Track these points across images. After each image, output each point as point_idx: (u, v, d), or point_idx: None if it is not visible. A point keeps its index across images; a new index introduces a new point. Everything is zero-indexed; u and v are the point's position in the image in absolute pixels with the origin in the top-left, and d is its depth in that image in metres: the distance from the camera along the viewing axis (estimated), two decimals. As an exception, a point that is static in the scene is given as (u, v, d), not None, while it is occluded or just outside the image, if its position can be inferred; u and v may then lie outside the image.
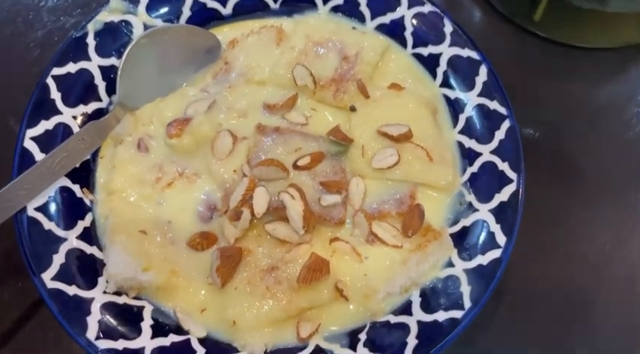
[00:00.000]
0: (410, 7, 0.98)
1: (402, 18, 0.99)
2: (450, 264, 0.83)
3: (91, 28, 0.94)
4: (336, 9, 1.01)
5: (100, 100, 0.93)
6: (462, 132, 0.93)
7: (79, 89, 0.91)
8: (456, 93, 0.95)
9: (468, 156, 0.91)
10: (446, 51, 0.96)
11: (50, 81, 0.89)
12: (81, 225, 0.84)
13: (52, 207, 0.83)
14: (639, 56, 1.11)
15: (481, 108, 0.92)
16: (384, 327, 0.80)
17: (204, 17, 1.00)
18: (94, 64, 0.93)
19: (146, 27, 0.97)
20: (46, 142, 0.86)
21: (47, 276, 0.78)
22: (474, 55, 0.94)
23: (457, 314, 0.78)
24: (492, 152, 0.89)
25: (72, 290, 0.78)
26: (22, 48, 1.09)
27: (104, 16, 0.95)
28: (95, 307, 0.78)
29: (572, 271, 0.94)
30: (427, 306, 0.81)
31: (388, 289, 0.81)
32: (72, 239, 0.82)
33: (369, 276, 0.82)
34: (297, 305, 0.79)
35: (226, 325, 0.79)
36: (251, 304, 0.79)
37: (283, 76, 0.94)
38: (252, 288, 0.80)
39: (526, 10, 1.10)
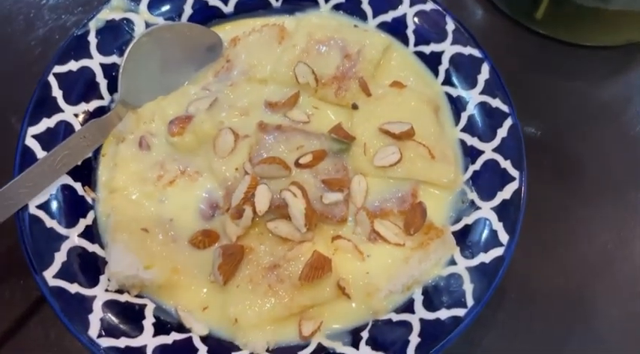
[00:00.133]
0: (412, 5, 0.98)
1: (404, 16, 0.99)
2: (453, 262, 0.83)
3: (93, 26, 0.94)
4: (337, 7, 1.02)
5: (101, 98, 0.93)
6: (464, 130, 0.93)
7: (80, 87, 0.91)
8: (458, 91, 0.95)
9: (470, 154, 0.91)
10: (448, 49, 0.96)
11: (52, 79, 0.89)
12: (83, 223, 0.84)
13: (54, 205, 0.83)
14: (641, 55, 1.11)
15: (483, 106, 0.92)
16: (386, 325, 0.80)
17: (206, 15, 1.00)
18: (95, 61, 0.93)
19: (148, 25, 0.97)
20: (48, 140, 0.86)
21: (49, 274, 0.78)
22: (476, 53, 0.94)
23: (459, 312, 0.78)
24: (494, 150, 0.89)
25: (74, 288, 0.78)
26: (24, 46, 1.09)
27: (106, 14, 0.95)
28: (97, 305, 0.78)
29: (573, 270, 0.94)
30: (429, 304, 0.81)
31: (390, 287, 0.81)
32: (74, 237, 0.82)
33: (371, 274, 0.82)
34: (299, 303, 0.79)
35: (228, 322, 0.79)
36: (253, 302, 0.79)
37: (285, 74, 0.94)
38: (254, 286, 0.80)
39: (528, 8, 1.10)
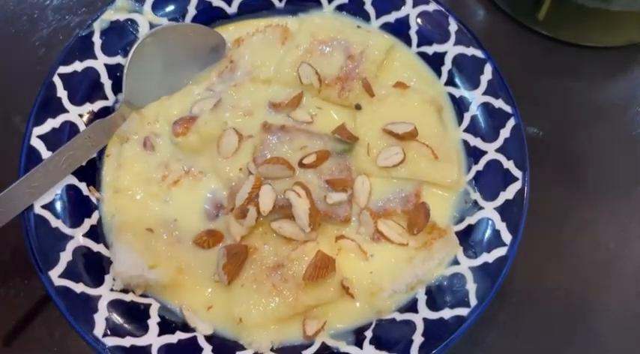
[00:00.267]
0: (415, 5, 0.98)
1: (407, 17, 0.99)
2: (456, 262, 0.83)
3: (97, 26, 0.94)
4: (340, 8, 1.02)
5: (106, 98, 0.93)
6: (467, 130, 0.93)
7: (85, 87, 0.91)
8: (461, 91, 0.95)
9: (473, 154, 0.91)
10: (451, 49, 0.96)
11: (57, 79, 0.89)
12: (87, 223, 0.84)
13: (59, 205, 0.83)
14: (643, 55, 1.12)
15: (486, 106, 0.92)
16: (389, 324, 0.80)
17: (210, 16, 1.00)
18: (100, 62, 0.93)
19: (152, 26, 0.97)
20: (53, 140, 0.86)
21: (54, 273, 0.78)
22: (479, 53, 0.94)
23: (463, 312, 0.78)
24: (497, 150, 0.89)
25: (79, 288, 0.78)
26: (27, 46, 1.09)
27: (110, 15, 0.95)
28: (102, 305, 0.78)
29: (577, 270, 0.94)
30: (433, 303, 0.81)
31: (394, 287, 0.82)
32: (78, 237, 0.82)
33: (375, 274, 0.83)
34: (303, 303, 0.80)
35: (233, 322, 0.79)
36: (257, 302, 0.79)
37: (288, 75, 0.95)
38: (259, 285, 0.80)
39: (530, 8, 1.10)
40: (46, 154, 0.85)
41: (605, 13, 1.04)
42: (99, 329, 0.76)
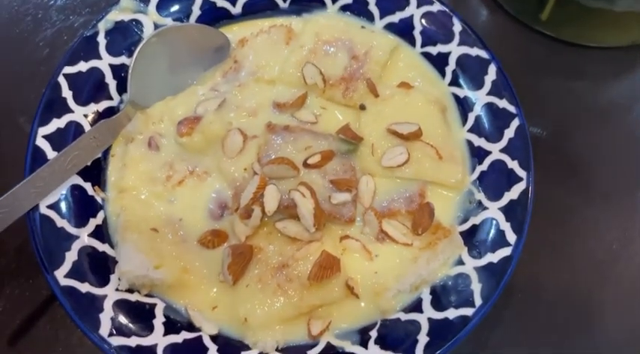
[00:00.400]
0: (419, 6, 0.99)
1: (411, 17, 0.99)
2: (460, 262, 0.84)
3: (102, 26, 0.94)
4: (345, 8, 1.02)
5: (110, 98, 0.93)
6: (471, 130, 0.93)
7: (90, 88, 0.91)
8: (465, 92, 0.95)
9: (478, 154, 0.91)
10: (455, 50, 0.96)
11: (62, 79, 0.90)
12: (93, 223, 0.85)
13: (64, 205, 0.84)
14: (646, 55, 1.12)
15: (490, 107, 0.92)
16: (394, 324, 0.81)
17: (214, 16, 1.01)
18: (104, 62, 0.93)
19: (156, 26, 0.98)
20: (58, 140, 0.86)
21: (60, 273, 0.78)
22: (483, 54, 0.95)
23: (468, 312, 0.79)
24: (502, 151, 0.89)
25: (84, 287, 0.79)
26: (31, 47, 1.10)
27: (115, 15, 0.95)
28: (108, 305, 0.78)
29: (580, 270, 0.94)
30: (438, 303, 0.81)
31: (399, 287, 0.82)
32: (84, 237, 0.83)
33: (380, 274, 0.83)
34: (308, 302, 0.80)
35: (238, 322, 0.80)
36: (262, 302, 0.79)
37: (293, 75, 0.95)
38: (264, 285, 0.80)
39: (533, 9, 1.10)
40: (51, 154, 0.85)
41: (608, 13, 1.04)
42: (104, 329, 0.76)
